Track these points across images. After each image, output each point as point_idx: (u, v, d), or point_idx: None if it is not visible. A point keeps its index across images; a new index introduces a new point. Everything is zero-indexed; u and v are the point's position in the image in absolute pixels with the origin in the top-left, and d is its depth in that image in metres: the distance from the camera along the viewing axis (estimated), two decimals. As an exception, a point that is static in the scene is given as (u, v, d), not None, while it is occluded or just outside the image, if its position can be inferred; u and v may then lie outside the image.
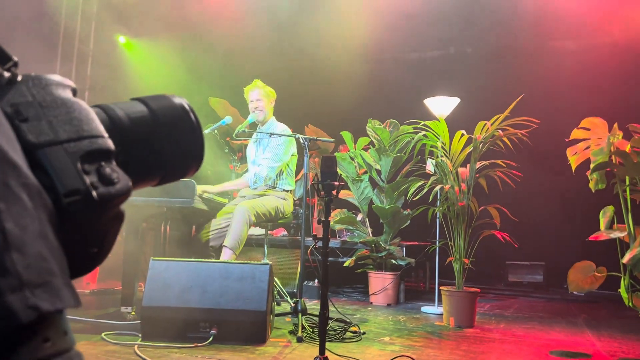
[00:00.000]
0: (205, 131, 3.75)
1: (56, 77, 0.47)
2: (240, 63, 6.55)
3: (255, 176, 3.85)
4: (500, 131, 3.61)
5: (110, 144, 0.46)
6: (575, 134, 3.47)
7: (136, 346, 2.49)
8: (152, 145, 0.52)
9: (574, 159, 3.44)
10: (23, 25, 5.08)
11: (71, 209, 0.41)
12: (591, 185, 3.42)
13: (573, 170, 3.50)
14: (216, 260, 3.15)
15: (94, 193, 0.42)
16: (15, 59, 0.46)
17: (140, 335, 2.65)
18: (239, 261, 2.94)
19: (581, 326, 3.75)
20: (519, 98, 3.62)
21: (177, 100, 0.56)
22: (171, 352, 2.45)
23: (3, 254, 0.35)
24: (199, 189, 3.49)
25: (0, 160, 0.37)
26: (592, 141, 3.37)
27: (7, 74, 0.45)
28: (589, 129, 3.43)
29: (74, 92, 0.48)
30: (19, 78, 0.46)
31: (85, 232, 0.44)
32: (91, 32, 6.55)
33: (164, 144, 0.53)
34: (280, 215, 3.87)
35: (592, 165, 3.30)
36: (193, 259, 2.91)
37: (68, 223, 0.42)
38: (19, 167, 0.39)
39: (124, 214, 0.46)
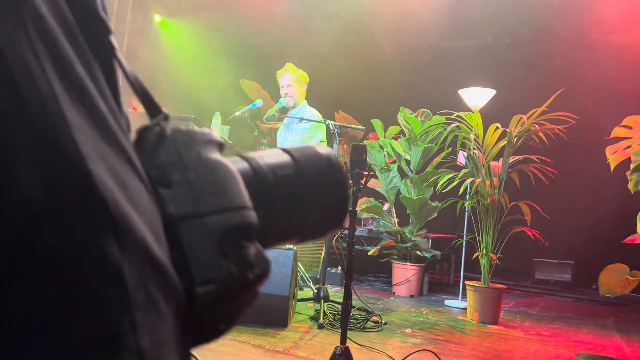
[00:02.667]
0: (236, 113, 3.75)
1: (205, 133, 0.42)
2: (273, 46, 6.53)
3: None
4: (536, 126, 3.50)
5: (254, 217, 0.40)
6: (616, 132, 3.35)
7: (160, 323, 2.53)
8: (294, 207, 0.47)
9: (613, 158, 3.32)
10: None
11: (203, 299, 0.37)
12: (630, 186, 3.30)
13: (611, 170, 3.39)
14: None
15: (231, 281, 0.38)
16: (166, 111, 0.42)
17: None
18: (264, 245, 2.95)
19: (610, 329, 3.65)
20: (558, 92, 3.50)
21: (324, 152, 0.49)
22: (194, 331, 2.48)
23: None
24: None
25: (144, 260, 0.32)
26: (634, 140, 3.24)
27: (156, 129, 0.40)
28: (630, 128, 3.31)
29: (220, 148, 0.43)
30: (168, 132, 0.41)
31: (215, 315, 0.39)
32: (128, 10, 6.61)
33: (307, 205, 0.47)
34: None
35: (632, 166, 3.18)
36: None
37: (197, 307, 0.37)
38: (162, 265, 0.34)
39: (258, 295, 0.41)
